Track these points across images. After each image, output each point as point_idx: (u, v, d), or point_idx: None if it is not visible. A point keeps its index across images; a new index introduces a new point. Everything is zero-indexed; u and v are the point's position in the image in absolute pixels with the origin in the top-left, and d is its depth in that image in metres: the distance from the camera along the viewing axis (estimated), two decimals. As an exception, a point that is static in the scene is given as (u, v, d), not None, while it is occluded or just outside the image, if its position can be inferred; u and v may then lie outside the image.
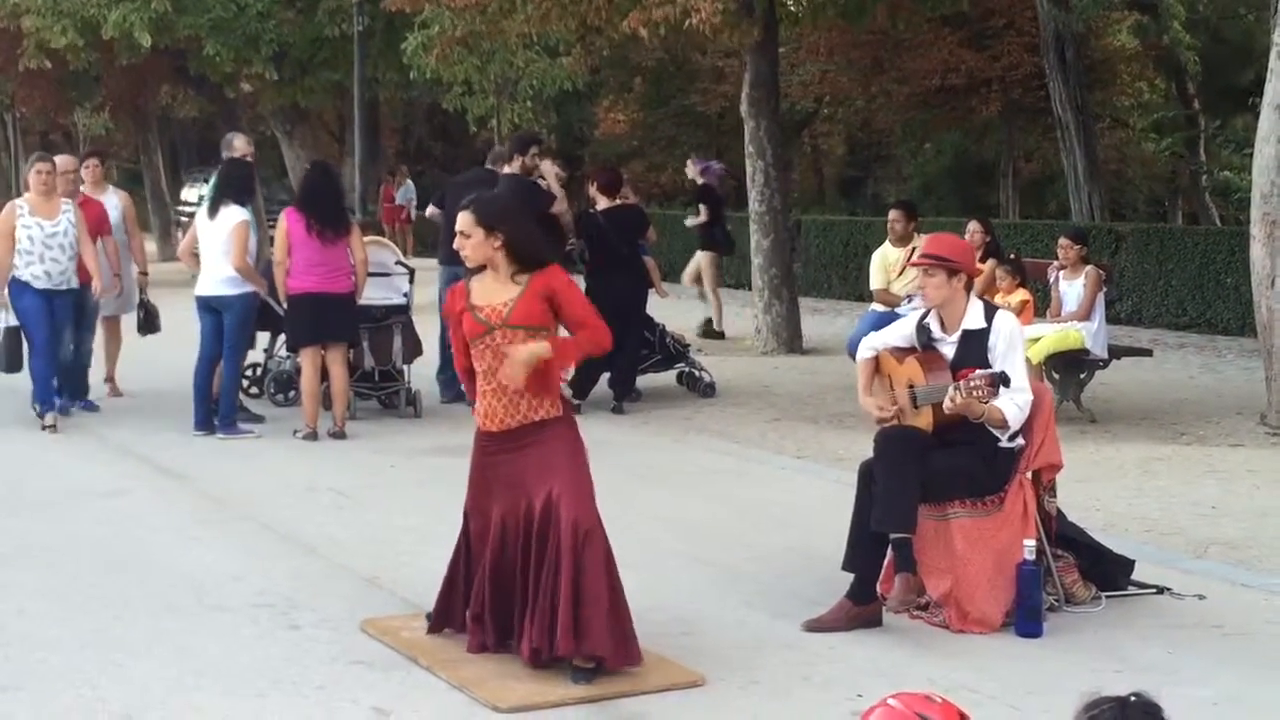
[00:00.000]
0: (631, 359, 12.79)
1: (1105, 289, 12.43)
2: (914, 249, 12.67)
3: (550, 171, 12.87)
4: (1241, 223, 24.17)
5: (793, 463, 10.71)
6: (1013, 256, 13.01)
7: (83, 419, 12.05)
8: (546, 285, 5.98)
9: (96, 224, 12.16)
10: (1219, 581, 7.38)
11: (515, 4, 16.06)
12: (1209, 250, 18.82)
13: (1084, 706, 3.15)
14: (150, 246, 31.21)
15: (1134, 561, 7.25)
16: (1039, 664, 6.13)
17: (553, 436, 5.97)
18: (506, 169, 12.65)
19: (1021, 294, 12.15)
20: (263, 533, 8.52)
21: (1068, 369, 12.23)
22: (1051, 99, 24.57)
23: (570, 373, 6.39)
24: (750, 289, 18.21)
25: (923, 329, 6.97)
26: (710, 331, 17.74)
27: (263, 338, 12.76)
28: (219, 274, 11.23)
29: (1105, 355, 12.30)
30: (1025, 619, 6.50)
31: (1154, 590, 7.12)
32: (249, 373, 13.12)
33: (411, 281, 12.68)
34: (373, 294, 12.22)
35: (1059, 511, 7.12)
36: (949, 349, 6.85)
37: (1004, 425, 6.66)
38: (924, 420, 6.76)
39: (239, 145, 12.40)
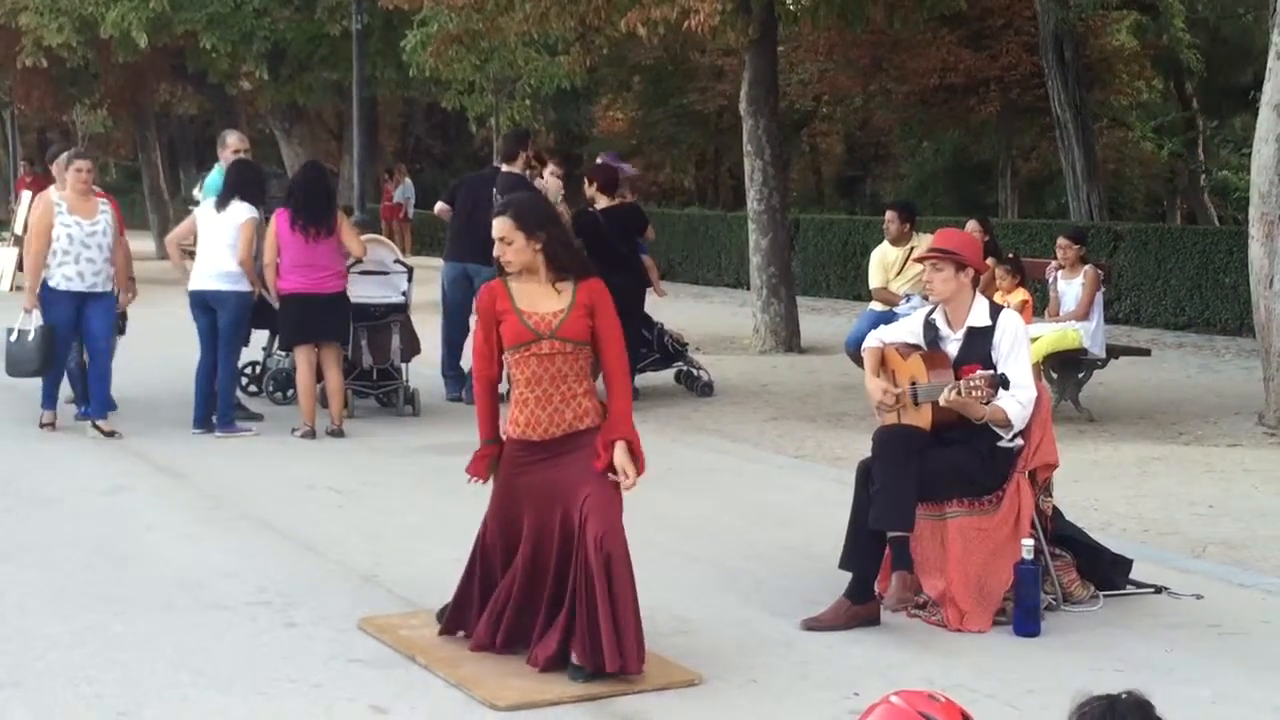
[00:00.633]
0: (629, 358, 12.77)
1: (1103, 288, 12.44)
2: (913, 248, 12.70)
3: (554, 185, 12.89)
4: (1240, 222, 24.20)
5: (791, 461, 10.71)
6: (1011, 256, 13.01)
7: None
8: (590, 301, 5.93)
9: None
10: (1217, 581, 7.39)
11: (514, 2, 16.06)
12: (1207, 250, 18.82)
13: (1075, 705, 3.15)
14: (149, 244, 31.33)
15: (1132, 561, 7.25)
16: (1037, 663, 6.13)
17: (589, 444, 5.92)
18: (506, 167, 12.65)
19: (1021, 294, 12.15)
20: (261, 530, 8.52)
21: (1066, 368, 12.24)
22: (1050, 98, 24.56)
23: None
24: (748, 288, 18.22)
25: (929, 325, 6.97)
26: None
27: (262, 336, 12.76)
28: (217, 269, 11.21)
29: (1103, 355, 12.31)
30: (1023, 618, 6.50)
31: (1152, 589, 7.13)
32: (248, 371, 13.13)
33: (410, 280, 12.68)
34: (371, 292, 12.24)
35: (1055, 510, 7.13)
36: (954, 345, 6.86)
37: (1007, 424, 6.67)
38: (923, 418, 6.76)
39: (232, 142, 12.38)
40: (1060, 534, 7.09)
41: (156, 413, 12.00)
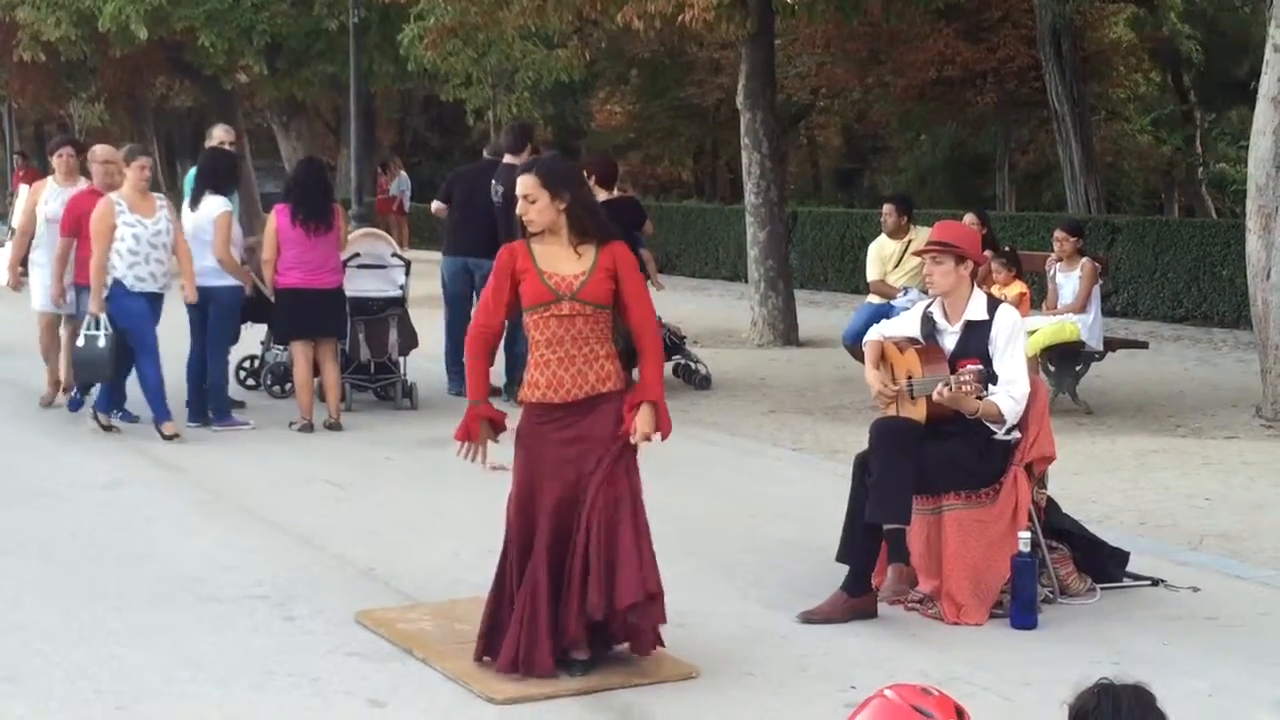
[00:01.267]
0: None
1: (1101, 281, 12.44)
2: (910, 241, 12.72)
3: None
4: (1237, 215, 24.15)
5: (788, 454, 10.71)
6: (1008, 249, 13.02)
7: (78, 410, 11.96)
8: (612, 264, 5.86)
9: None
10: (1214, 573, 7.39)
11: (511, -5, 16.06)
12: (1205, 243, 18.82)
13: (1074, 695, 3.17)
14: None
15: (1129, 553, 7.26)
16: (1033, 655, 6.14)
17: (611, 411, 5.83)
18: (509, 158, 12.60)
19: (1018, 286, 12.15)
20: (258, 524, 8.52)
21: (1063, 361, 12.24)
22: (1047, 91, 24.56)
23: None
24: (746, 281, 18.22)
25: (927, 319, 6.99)
26: None
27: (260, 329, 12.75)
28: (204, 264, 11.18)
29: (1101, 347, 12.31)
30: (1020, 611, 6.51)
31: (1149, 582, 7.13)
32: (245, 364, 13.13)
33: (407, 274, 12.68)
34: (369, 286, 12.24)
35: (1050, 502, 7.14)
36: (951, 339, 6.87)
37: (1000, 420, 6.68)
38: (919, 411, 6.77)
39: (218, 134, 12.35)
40: (1057, 527, 7.10)
41: (152, 405, 11.99)
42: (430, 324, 13.36)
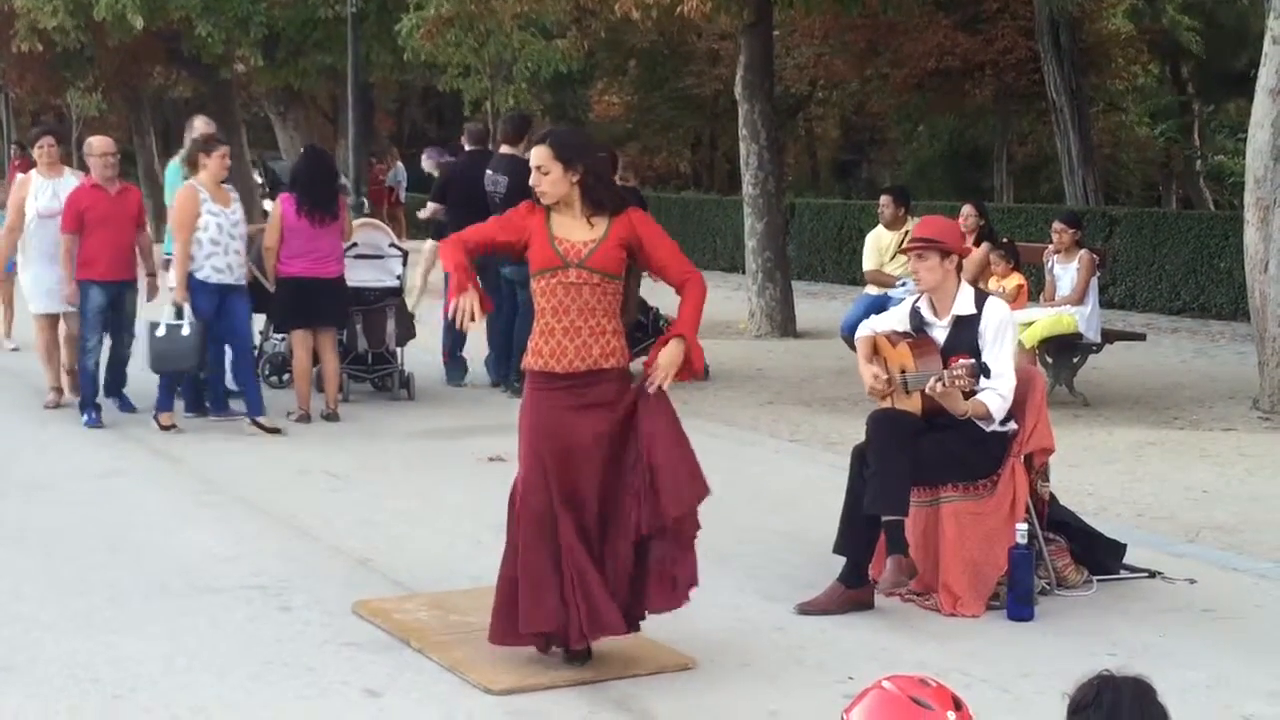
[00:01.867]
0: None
1: (1099, 273, 12.44)
2: (907, 232, 12.71)
3: None
4: (1235, 207, 24.15)
5: (786, 446, 10.72)
6: (1006, 241, 13.02)
7: (73, 402, 11.90)
8: (629, 232, 5.78)
9: (138, 214, 11.34)
10: (1210, 565, 7.40)
11: (509, -14, 16.05)
12: (1203, 235, 18.82)
13: (1074, 687, 3.17)
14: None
15: (1125, 545, 7.26)
16: (1030, 647, 6.14)
17: (616, 391, 5.80)
18: (505, 149, 12.56)
19: (1016, 279, 12.15)
20: (255, 515, 8.52)
21: (1061, 353, 12.24)
22: (1046, 83, 24.54)
23: None
24: (744, 272, 18.21)
25: (915, 313, 6.98)
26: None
27: (259, 320, 12.73)
28: None
29: (1098, 339, 12.31)
30: (1017, 602, 6.51)
31: (1145, 574, 7.14)
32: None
33: (405, 264, 12.67)
34: (366, 276, 12.22)
35: (1051, 495, 7.14)
36: (940, 333, 6.87)
37: (989, 417, 6.67)
38: (914, 405, 6.77)
39: (198, 126, 12.25)
40: (1054, 519, 7.11)
41: (150, 396, 11.96)
42: (428, 315, 13.35)
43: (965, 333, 6.79)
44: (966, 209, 13.16)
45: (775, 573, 7.22)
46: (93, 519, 8.32)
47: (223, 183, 10.86)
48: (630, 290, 5.91)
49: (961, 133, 32.69)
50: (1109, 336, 12.74)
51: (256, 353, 13.07)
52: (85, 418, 11.05)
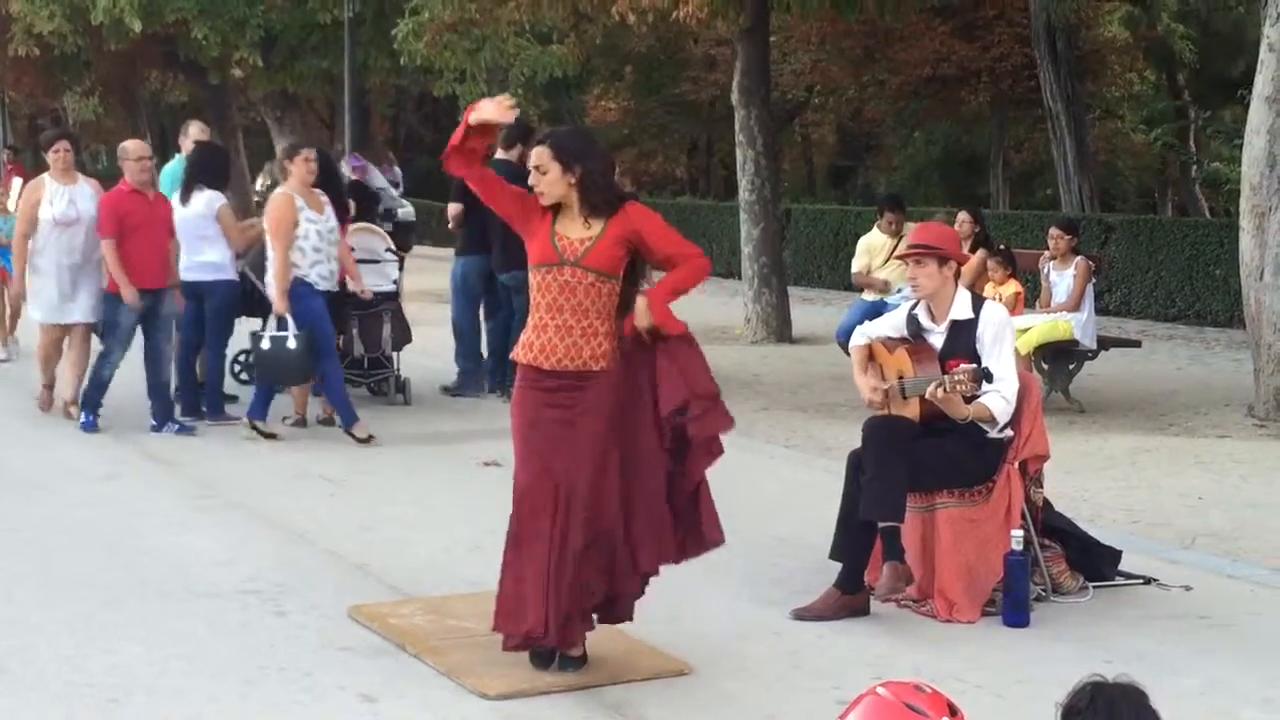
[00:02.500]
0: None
1: (1094, 280, 12.45)
2: (900, 237, 12.76)
3: None
4: (1231, 214, 24.12)
5: (782, 451, 10.72)
6: (1003, 247, 13.04)
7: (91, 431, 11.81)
8: (626, 228, 5.76)
9: (170, 220, 10.99)
10: (1206, 572, 7.40)
11: (507, -9, 16.05)
12: (1198, 242, 18.85)
13: (1067, 693, 3.17)
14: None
15: (1121, 552, 7.26)
16: (1026, 654, 6.14)
17: (602, 396, 5.74)
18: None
19: (1013, 285, 12.17)
20: (251, 519, 8.51)
21: (1056, 360, 12.25)
22: (1042, 90, 24.57)
23: None
24: (740, 278, 18.22)
25: (912, 319, 6.99)
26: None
27: (254, 323, 12.73)
28: (198, 259, 11.12)
29: (1094, 346, 12.32)
30: (1012, 609, 6.51)
31: (1141, 581, 7.14)
32: (241, 358, 13.10)
33: (401, 268, 12.66)
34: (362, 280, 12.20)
35: (1046, 502, 7.14)
36: (937, 339, 6.87)
37: (992, 421, 6.67)
38: (912, 410, 6.77)
39: (194, 132, 12.22)
40: (1050, 525, 7.11)
41: (146, 400, 11.96)
42: (424, 319, 13.34)
43: (962, 338, 6.79)
44: (962, 215, 13.19)
45: (771, 578, 7.22)
46: (88, 522, 8.32)
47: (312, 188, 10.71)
48: (629, 296, 5.87)
49: (958, 139, 32.74)
50: (1105, 343, 12.75)
51: (251, 358, 13.10)
52: (84, 419, 10.94)
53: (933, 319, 6.92)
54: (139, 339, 11.01)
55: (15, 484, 9.31)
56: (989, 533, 6.64)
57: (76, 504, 8.78)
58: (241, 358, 13.10)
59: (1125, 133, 31.69)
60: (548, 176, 5.74)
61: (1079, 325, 12.01)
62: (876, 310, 11.84)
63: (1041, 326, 11.88)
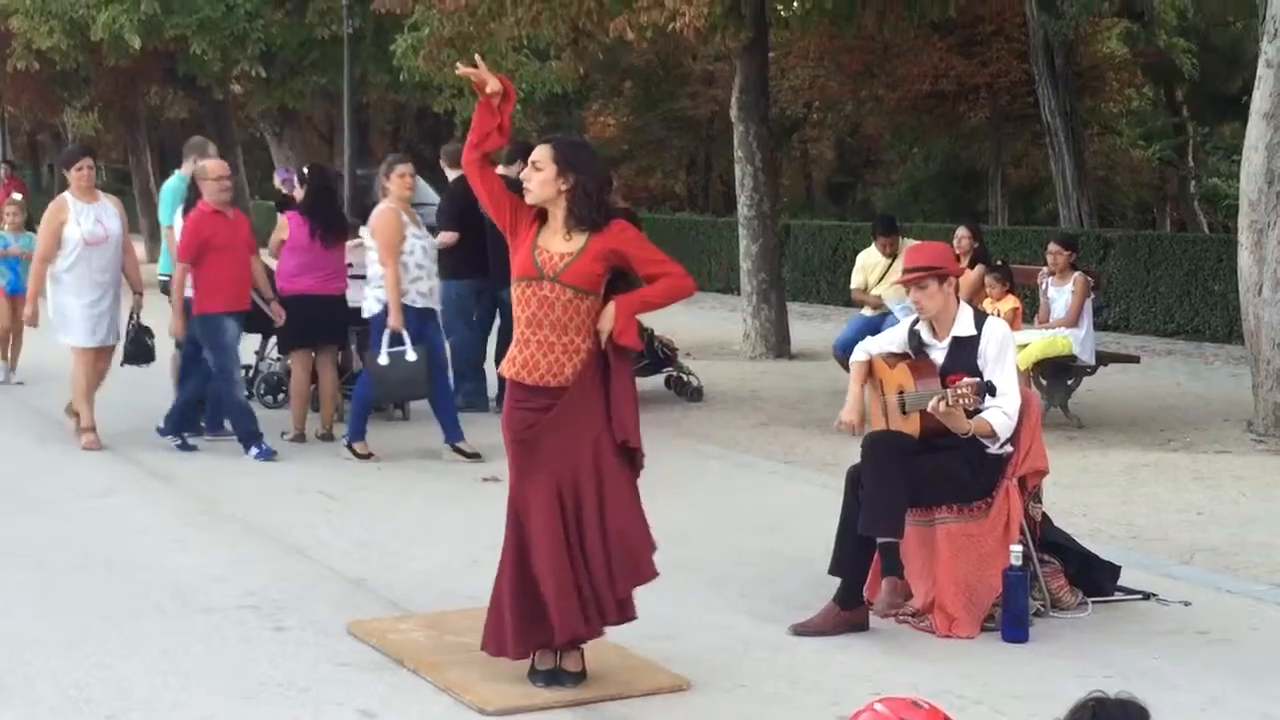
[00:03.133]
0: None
1: (1093, 295, 12.46)
2: (895, 257, 12.79)
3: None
4: (1230, 230, 24.17)
5: (780, 467, 10.71)
6: (1000, 263, 13.05)
7: (63, 418, 11.85)
8: (607, 246, 5.74)
9: (251, 240, 10.90)
10: (1205, 588, 7.40)
11: (505, 7, 16.06)
12: (1197, 257, 18.86)
13: (1066, 710, 3.17)
14: (139, 248, 31.29)
15: (1120, 567, 7.26)
16: (1024, 669, 6.14)
17: (588, 413, 5.75)
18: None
19: (1012, 301, 12.18)
20: (249, 534, 8.51)
21: (1055, 375, 12.25)
22: (1040, 105, 24.61)
23: None
24: (739, 293, 18.22)
25: (913, 334, 6.99)
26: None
27: (254, 340, 12.74)
28: None
29: (1093, 362, 12.33)
30: (1011, 624, 6.51)
31: (1140, 596, 7.13)
32: (240, 374, 13.10)
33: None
34: (360, 296, 12.20)
35: (1045, 517, 7.15)
36: (939, 354, 6.87)
37: (993, 436, 6.68)
38: (912, 425, 6.78)
39: (196, 145, 12.17)
40: (1049, 540, 7.11)
41: (144, 416, 11.96)
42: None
43: (964, 353, 6.79)
44: (961, 231, 13.22)
45: (770, 594, 7.22)
46: (87, 538, 8.31)
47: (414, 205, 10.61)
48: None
49: (956, 155, 32.77)
50: (1103, 359, 12.75)
51: (251, 372, 13.10)
52: (255, 451, 10.60)
53: (934, 335, 6.92)
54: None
55: (14, 500, 9.31)
56: (988, 548, 6.64)
57: (75, 520, 8.77)
58: (241, 373, 13.09)
59: (1124, 148, 31.73)
60: (541, 174, 5.75)
61: (1078, 341, 12.01)
62: (875, 325, 11.87)
63: (1040, 342, 11.89)
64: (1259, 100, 11.72)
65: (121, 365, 11.34)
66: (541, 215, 5.82)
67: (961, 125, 29.24)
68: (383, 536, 8.46)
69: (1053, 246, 12.51)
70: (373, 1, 19.68)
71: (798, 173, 40.45)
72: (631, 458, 5.84)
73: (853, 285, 13.52)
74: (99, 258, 10.96)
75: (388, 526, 8.71)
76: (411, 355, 10.19)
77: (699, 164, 39.98)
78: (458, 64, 5.83)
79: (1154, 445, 11.48)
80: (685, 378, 13.77)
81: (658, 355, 13.51)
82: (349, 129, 24.06)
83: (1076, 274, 12.27)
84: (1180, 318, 18.89)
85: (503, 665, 5.91)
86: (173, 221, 11.47)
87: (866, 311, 13.31)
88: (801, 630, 6.56)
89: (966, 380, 6.53)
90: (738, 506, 9.34)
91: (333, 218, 11.32)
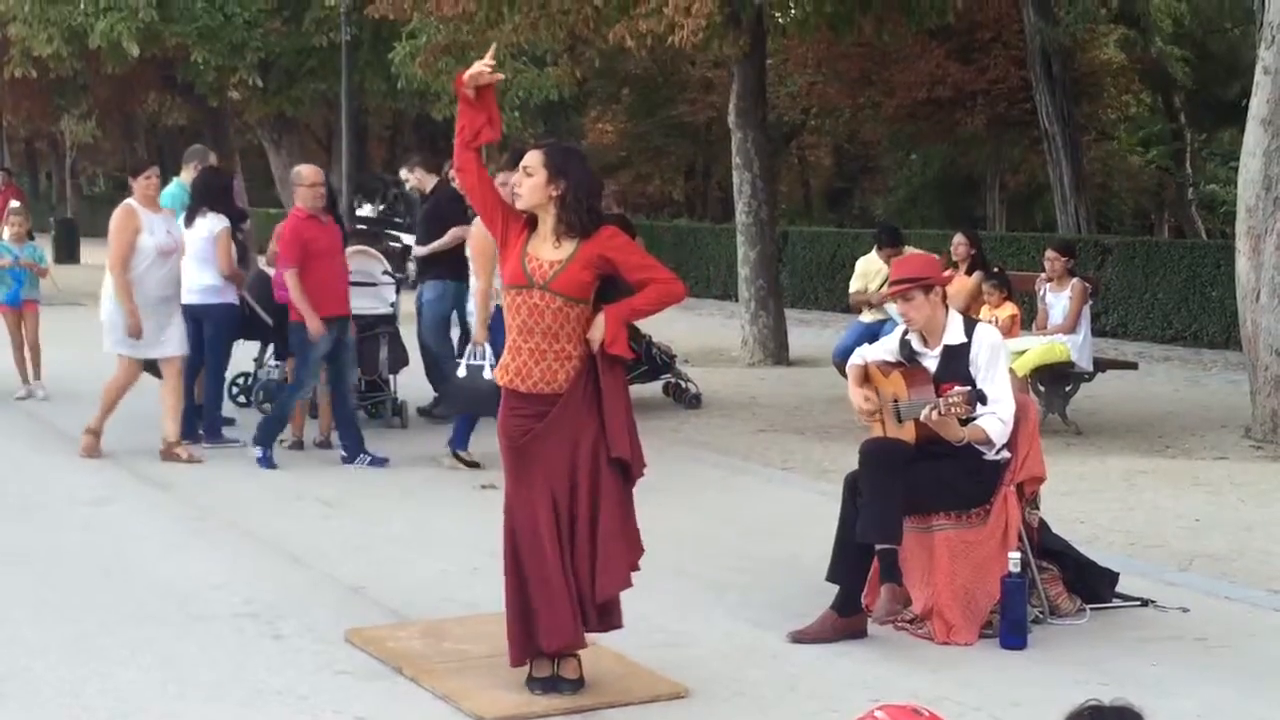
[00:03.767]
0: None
1: (1091, 301, 12.48)
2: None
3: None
4: (1227, 236, 24.25)
5: (779, 474, 10.71)
6: (998, 270, 13.06)
7: (66, 424, 11.87)
8: (597, 253, 5.71)
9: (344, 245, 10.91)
10: (1203, 594, 7.40)
11: (503, 14, 16.09)
12: (1194, 263, 18.88)
13: (1063, 716, 3.17)
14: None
15: (1118, 574, 7.26)
16: (1023, 676, 6.13)
17: (583, 420, 5.74)
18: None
19: (1009, 308, 12.19)
20: (247, 541, 8.50)
21: (1053, 382, 12.26)
22: (1038, 112, 24.65)
23: None
24: (737, 300, 18.23)
25: (905, 343, 6.99)
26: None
27: (253, 347, 12.75)
28: (198, 283, 11.11)
29: (1091, 368, 12.34)
30: (1009, 631, 6.51)
31: (1138, 603, 7.13)
32: (238, 381, 13.11)
33: (398, 291, 12.66)
34: (360, 303, 12.17)
35: (1042, 523, 7.14)
36: (931, 363, 6.87)
37: (988, 443, 6.68)
38: (908, 433, 6.77)
39: (196, 153, 12.19)
40: (1047, 547, 7.10)
41: (142, 423, 11.95)
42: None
43: (956, 362, 6.79)
44: (958, 238, 13.24)
45: (768, 601, 7.21)
46: (85, 544, 8.31)
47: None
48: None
49: (954, 161, 32.81)
50: (1101, 365, 12.77)
51: (250, 380, 13.11)
52: (260, 454, 10.56)
53: (925, 344, 6.92)
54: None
55: (12, 508, 9.30)
56: (986, 555, 6.64)
57: (73, 527, 8.77)
58: (240, 381, 13.11)
59: (1121, 155, 31.78)
60: (532, 180, 5.74)
61: (1075, 347, 12.02)
62: (874, 332, 11.89)
63: (1038, 348, 11.89)
64: (1256, 106, 11.74)
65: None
66: (531, 222, 5.82)
67: (959, 132, 29.29)
68: (381, 543, 8.45)
69: (1050, 253, 12.52)
70: (368, 7, 19.68)
71: (796, 179, 40.51)
72: (626, 466, 5.83)
73: (851, 289, 13.53)
74: (169, 269, 10.83)
75: (386, 533, 8.70)
76: (488, 372, 9.91)
77: (697, 170, 40.04)
78: (472, 67, 5.75)
79: (1152, 451, 11.49)
80: (683, 384, 13.78)
81: (656, 362, 13.52)
82: (347, 136, 24.12)
83: (1074, 280, 12.28)
84: (1178, 324, 18.91)
85: (501, 673, 5.91)
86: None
87: (865, 317, 13.31)
88: (800, 637, 6.56)
89: (958, 389, 6.53)
90: (736, 513, 9.33)
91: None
